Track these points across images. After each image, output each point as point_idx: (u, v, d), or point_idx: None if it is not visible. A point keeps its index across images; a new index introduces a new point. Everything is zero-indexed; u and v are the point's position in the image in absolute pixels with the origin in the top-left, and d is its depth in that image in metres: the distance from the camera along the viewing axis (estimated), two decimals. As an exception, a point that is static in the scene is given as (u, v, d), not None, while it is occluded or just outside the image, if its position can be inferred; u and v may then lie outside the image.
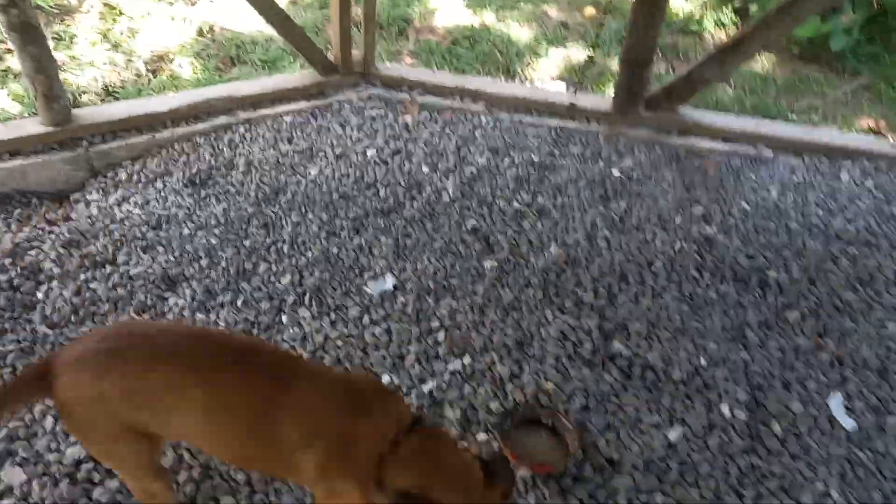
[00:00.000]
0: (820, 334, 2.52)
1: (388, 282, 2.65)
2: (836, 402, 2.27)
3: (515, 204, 3.10)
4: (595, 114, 3.64)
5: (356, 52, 3.78)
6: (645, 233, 2.95)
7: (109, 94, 4.07)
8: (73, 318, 2.45)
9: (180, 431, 1.60)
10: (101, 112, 3.40)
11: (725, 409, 2.23)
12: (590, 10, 5.37)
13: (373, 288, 2.63)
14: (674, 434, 2.15)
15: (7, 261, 2.64)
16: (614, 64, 4.68)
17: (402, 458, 1.41)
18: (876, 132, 4.09)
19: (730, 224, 3.01)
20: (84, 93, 4.03)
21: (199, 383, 1.46)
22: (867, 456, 2.13)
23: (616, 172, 3.32)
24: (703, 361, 2.39)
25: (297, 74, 3.93)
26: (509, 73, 4.58)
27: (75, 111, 3.28)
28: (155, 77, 4.31)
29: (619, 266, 2.78)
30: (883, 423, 2.23)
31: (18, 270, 2.61)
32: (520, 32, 5.05)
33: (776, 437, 2.16)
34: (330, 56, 3.81)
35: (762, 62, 4.81)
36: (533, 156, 3.40)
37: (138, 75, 4.27)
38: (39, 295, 2.54)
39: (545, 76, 4.57)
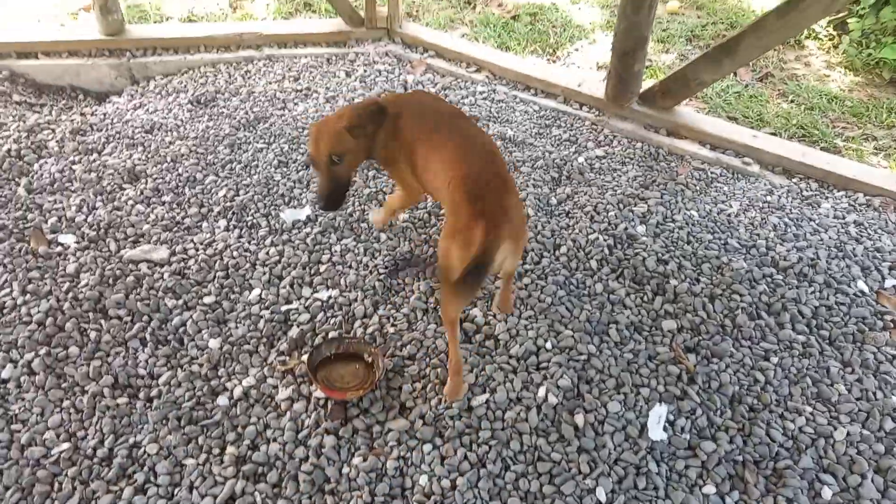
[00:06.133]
0: (689, 349, 2.40)
1: (304, 213, 2.89)
2: (658, 413, 2.18)
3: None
4: (591, 100, 3.58)
5: (381, 9, 3.99)
6: (571, 219, 2.92)
7: (189, 20, 4.63)
8: (47, 189, 2.96)
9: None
10: (148, 30, 3.93)
11: (542, 391, 2.23)
12: (673, 5, 5.13)
13: (288, 216, 2.88)
14: (477, 400, 2.20)
15: (24, 134, 3.23)
16: (669, 59, 4.50)
17: None
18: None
19: (664, 228, 2.88)
20: (169, 18, 4.62)
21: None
22: (658, 468, 2.04)
23: (581, 160, 3.28)
24: (548, 345, 2.39)
25: (325, 21, 4.24)
26: (554, 55, 4.56)
27: (129, 26, 3.84)
28: (234, 12, 4.82)
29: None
30: (697, 444, 2.11)
31: (28, 143, 3.18)
32: (586, 16, 4.97)
33: (574, 428, 2.13)
34: (361, 12, 4.06)
35: (840, 81, 4.36)
36: (510, 130, 3.44)
37: (221, 10, 4.81)
38: (35, 167, 3.08)
39: (592, 62, 4.49)
